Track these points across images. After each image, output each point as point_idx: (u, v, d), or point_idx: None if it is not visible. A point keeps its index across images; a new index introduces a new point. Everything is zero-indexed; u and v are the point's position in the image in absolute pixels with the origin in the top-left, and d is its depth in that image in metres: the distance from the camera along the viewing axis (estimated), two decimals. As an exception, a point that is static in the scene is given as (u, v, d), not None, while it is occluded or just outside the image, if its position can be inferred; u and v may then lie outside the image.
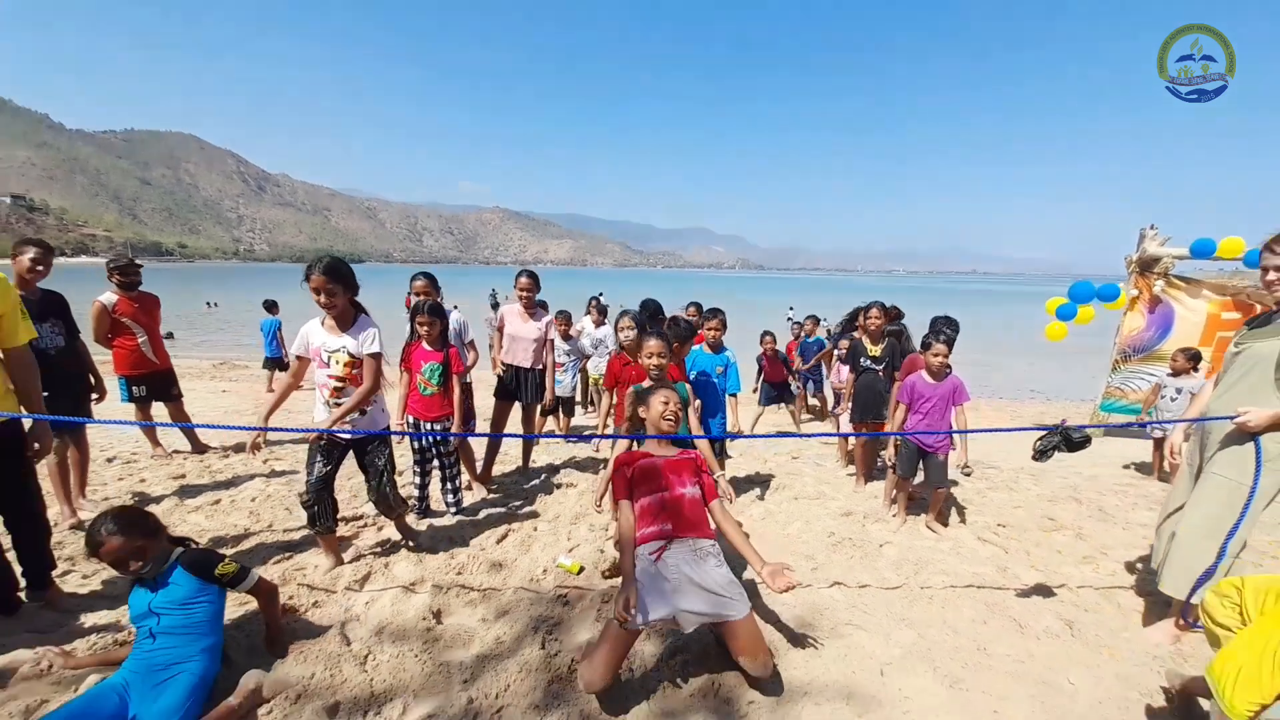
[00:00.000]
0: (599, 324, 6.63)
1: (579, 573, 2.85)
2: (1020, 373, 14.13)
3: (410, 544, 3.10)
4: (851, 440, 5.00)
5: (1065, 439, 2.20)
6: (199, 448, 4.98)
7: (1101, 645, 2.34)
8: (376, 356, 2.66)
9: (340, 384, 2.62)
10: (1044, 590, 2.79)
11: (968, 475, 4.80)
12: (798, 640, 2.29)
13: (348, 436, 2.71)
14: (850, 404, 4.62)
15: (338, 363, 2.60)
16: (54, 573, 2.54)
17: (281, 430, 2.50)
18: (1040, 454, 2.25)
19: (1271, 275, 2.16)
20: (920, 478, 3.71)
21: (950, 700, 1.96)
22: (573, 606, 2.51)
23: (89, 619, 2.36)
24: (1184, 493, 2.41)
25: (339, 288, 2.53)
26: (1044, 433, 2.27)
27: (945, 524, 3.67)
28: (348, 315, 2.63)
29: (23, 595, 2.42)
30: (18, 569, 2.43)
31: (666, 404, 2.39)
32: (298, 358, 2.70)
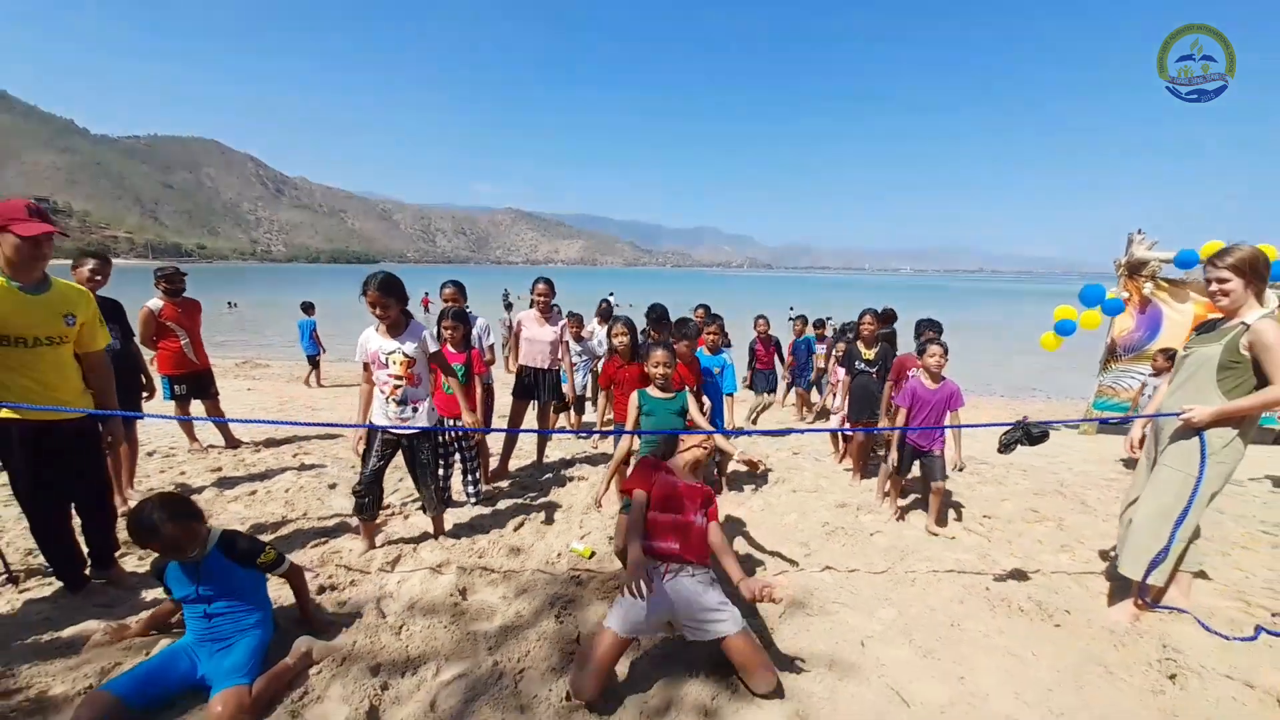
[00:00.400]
0: (601, 325, 6.94)
1: (590, 557, 3.11)
2: (1023, 371, 14.19)
3: (437, 535, 3.36)
4: (841, 439, 5.26)
5: (1026, 433, 2.42)
6: (232, 443, 5.32)
7: (1066, 623, 2.55)
8: (438, 354, 3.06)
9: (399, 382, 2.94)
10: (1019, 575, 3.01)
11: (960, 472, 4.98)
12: (789, 617, 2.53)
13: (400, 433, 3.00)
14: (847, 404, 4.86)
15: (395, 363, 2.93)
16: (116, 553, 2.85)
17: (364, 427, 2.88)
18: (1005, 447, 2.47)
19: (1214, 287, 2.37)
20: (915, 472, 3.90)
21: (922, 668, 2.19)
22: (585, 586, 2.77)
23: (149, 594, 2.64)
24: (1143, 483, 2.61)
25: (392, 300, 2.88)
26: (1008, 428, 2.49)
27: (944, 524, 3.79)
28: (400, 323, 2.97)
29: (89, 573, 2.71)
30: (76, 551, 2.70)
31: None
32: (364, 365, 3.03)
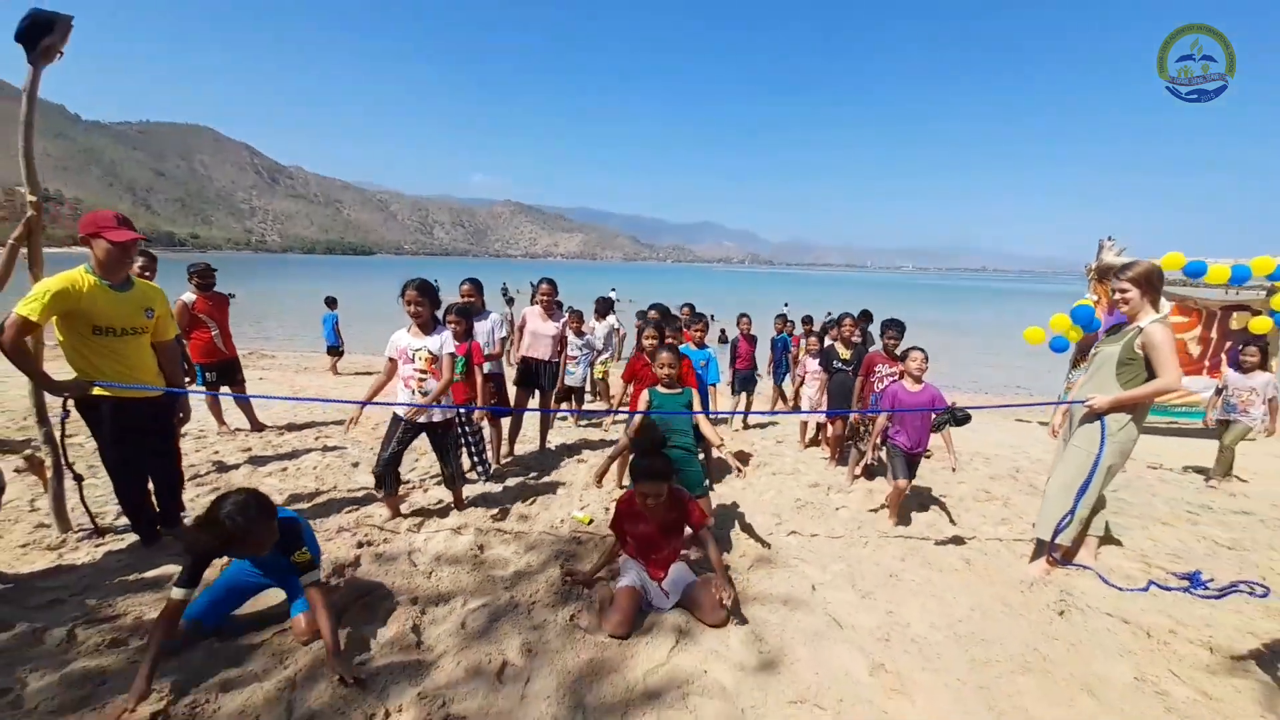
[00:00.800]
0: (599, 320, 7.37)
1: (589, 523, 3.58)
2: (1012, 370, 14.75)
3: (459, 508, 3.74)
4: (811, 426, 5.87)
5: (953, 416, 2.91)
6: (257, 426, 5.75)
7: (988, 576, 3.04)
8: (452, 355, 3.42)
9: (422, 375, 3.37)
10: (958, 540, 3.50)
11: (953, 473, 4.70)
12: (757, 568, 3.01)
13: (422, 420, 3.40)
14: (825, 398, 5.35)
15: (420, 359, 3.35)
16: (181, 514, 3.31)
17: (387, 404, 3.28)
18: (937, 426, 2.95)
19: (1117, 295, 2.84)
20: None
21: (860, 605, 2.68)
22: (584, 545, 3.25)
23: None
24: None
25: (426, 301, 3.33)
26: (940, 411, 2.98)
27: (906, 521, 3.86)
28: (429, 324, 3.40)
29: (160, 530, 3.17)
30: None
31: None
32: (390, 359, 3.45)
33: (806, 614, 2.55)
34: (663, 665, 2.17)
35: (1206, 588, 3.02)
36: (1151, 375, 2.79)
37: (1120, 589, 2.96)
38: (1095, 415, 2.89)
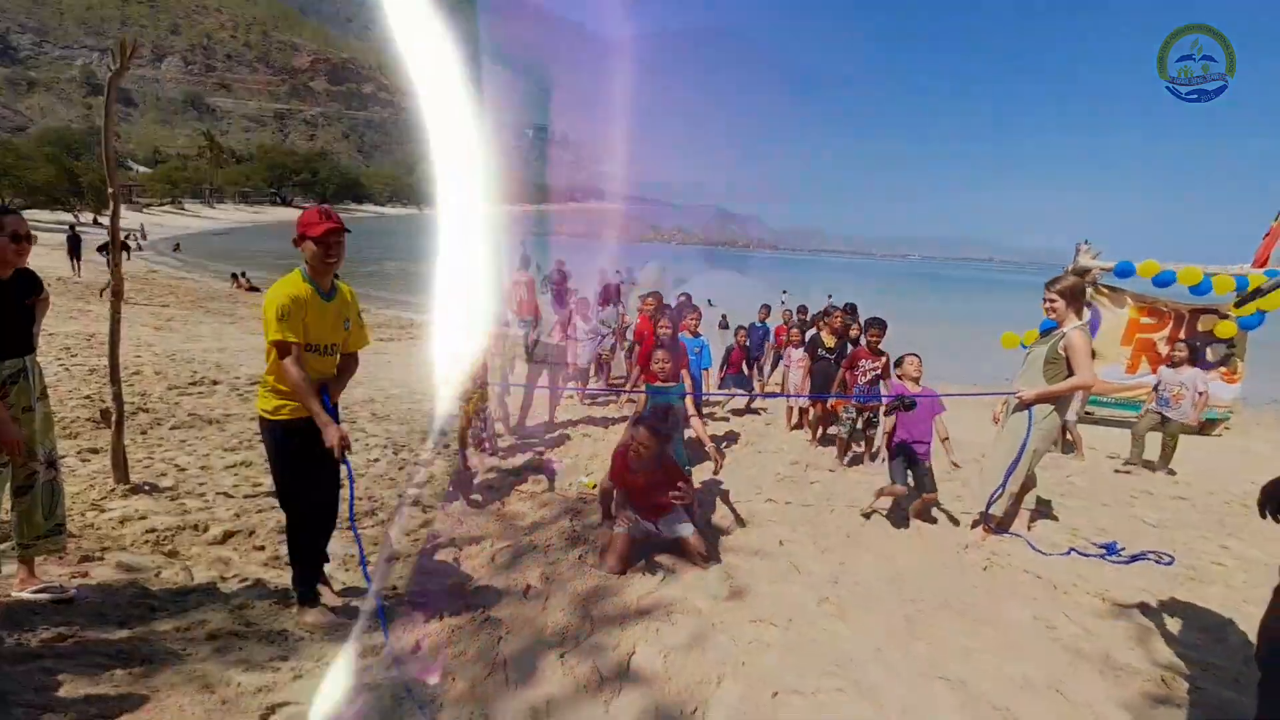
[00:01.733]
0: (603, 306, 7.79)
1: (593, 488, 4.12)
2: (1000, 363, 15.21)
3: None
4: (796, 410, 6.34)
5: (901, 403, 3.42)
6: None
7: (933, 539, 3.58)
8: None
9: None
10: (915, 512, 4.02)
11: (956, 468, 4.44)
12: (733, 526, 3.56)
13: None
14: (807, 383, 5.85)
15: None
16: None
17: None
18: (889, 410, 3.46)
19: (1046, 305, 3.32)
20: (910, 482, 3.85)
21: (817, 556, 3.23)
22: (589, 504, 3.79)
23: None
24: (996, 443, 3.62)
25: None
26: (891, 399, 3.49)
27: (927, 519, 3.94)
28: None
29: None
30: None
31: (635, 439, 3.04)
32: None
33: (772, 562, 3.10)
34: (652, 593, 2.72)
35: (1119, 555, 3.55)
36: (1071, 373, 3.28)
37: (1044, 554, 3.48)
38: (1024, 406, 3.39)
